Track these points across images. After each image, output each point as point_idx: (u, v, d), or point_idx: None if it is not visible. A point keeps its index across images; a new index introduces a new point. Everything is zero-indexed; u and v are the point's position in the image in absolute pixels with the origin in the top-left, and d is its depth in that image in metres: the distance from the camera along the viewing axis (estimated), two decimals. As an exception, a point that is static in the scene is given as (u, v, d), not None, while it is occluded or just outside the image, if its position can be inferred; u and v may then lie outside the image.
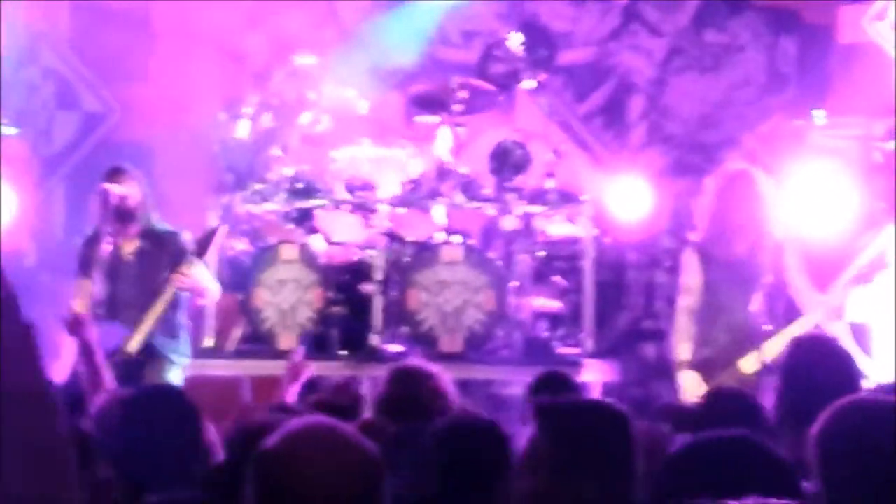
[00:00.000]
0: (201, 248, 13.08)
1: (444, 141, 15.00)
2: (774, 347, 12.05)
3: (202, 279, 13.32)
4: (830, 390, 5.63)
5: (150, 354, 13.00)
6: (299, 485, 4.48)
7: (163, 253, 13.26)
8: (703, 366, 12.67)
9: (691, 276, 13.06)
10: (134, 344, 12.96)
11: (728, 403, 7.59)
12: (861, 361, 9.67)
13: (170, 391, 7.33)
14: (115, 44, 17.27)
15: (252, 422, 7.41)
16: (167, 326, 13.18)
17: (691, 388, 12.43)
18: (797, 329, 12.12)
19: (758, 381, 12.05)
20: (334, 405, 9.01)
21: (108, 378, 10.33)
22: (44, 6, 17.34)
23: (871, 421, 5.05)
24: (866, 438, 4.93)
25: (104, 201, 13.31)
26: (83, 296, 13.16)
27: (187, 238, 13.25)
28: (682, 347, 12.91)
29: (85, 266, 13.39)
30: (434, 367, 9.30)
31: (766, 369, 12.06)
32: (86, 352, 10.60)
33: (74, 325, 11.08)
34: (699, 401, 8.75)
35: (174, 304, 13.18)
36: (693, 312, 12.94)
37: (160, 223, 13.50)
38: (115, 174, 13.47)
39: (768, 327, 12.38)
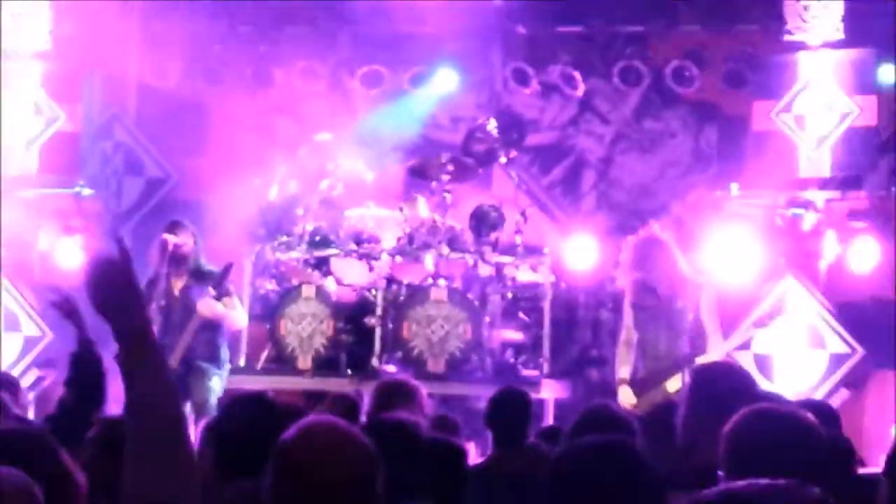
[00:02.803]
0: (217, 284, 13.12)
1: (432, 204, 15.03)
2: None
3: (220, 309, 13.35)
4: (730, 401, 5.65)
5: (191, 368, 13.02)
6: (309, 470, 4.50)
7: (204, 288, 13.28)
8: (636, 384, 12.77)
9: (627, 317, 13.15)
10: (177, 356, 13.01)
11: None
12: (762, 383, 9.72)
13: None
14: (173, 123, 17.27)
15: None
16: (209, 347, 13.19)
17: (626, 400, 12.53)
18: (704, 360, 12.21)
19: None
20: (340, 409, 9.07)
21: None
22: (116, 91, 17.33)
23: (771, 422, 5.07)
24: (767, 437, 4.94)
25: (163, 248, 13.34)
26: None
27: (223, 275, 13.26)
28: (622, 370, 13.00)
29: (146, 300, 13.41)
30: (413, 383, 9.35)
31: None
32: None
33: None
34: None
35: (214, 329, 13.20)
36: (629, 344, 13.03)
37: (207, 265, 13.52)
38: (172, 227, 13.52)
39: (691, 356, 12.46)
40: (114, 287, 3.94)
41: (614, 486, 4.58)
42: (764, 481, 1.97)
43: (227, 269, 13.24)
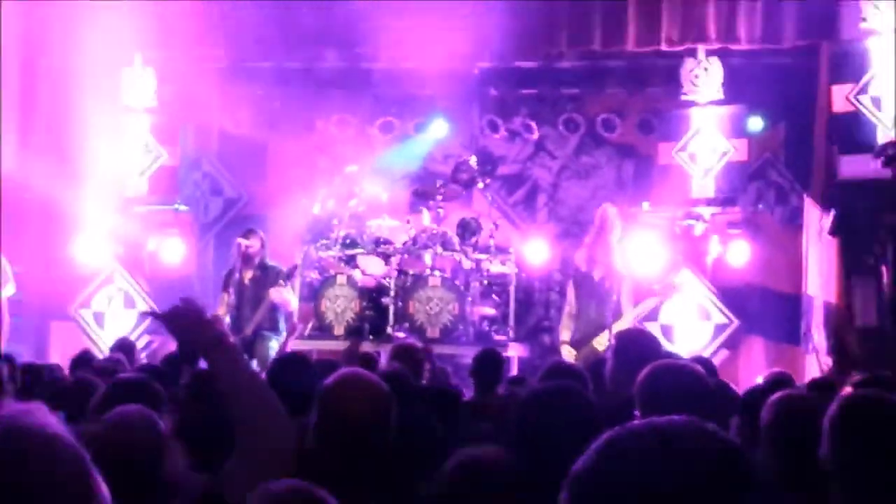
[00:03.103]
0: (286, 278, 13.16)
1: (430, 217, 15.04)
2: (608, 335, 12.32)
3: (286, 296, 13.38)
4: (644, 357, 5.67)
5: (257, 335, 13.03)
6: (343, 405, 4.52)
7: (267, 279, 13.26)
8: (574, 344, 12.79)
9: (570, 294, 13.17)
10: (248, 329, 13.01)
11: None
12: (666, 346, 9.75)
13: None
14: (244, 159, 17.27)
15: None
16: (270, 321, 13.19)
17: (568, 356, 12.55)
18: (622, 325, 12.26)
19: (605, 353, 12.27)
20: (364, 363, 9.09)
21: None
22: (203, 136, 17.34)
23: (671, 373, 5.09)
24: (670, 384, 4.96)
25: (237, 249, 13.38)
26: (223, 302, 13.20)
27: (282, 271, 13.29)
28: (564, 334, 13.01)
29: (225, 286, 13.41)
30: (420, 345, 9.39)
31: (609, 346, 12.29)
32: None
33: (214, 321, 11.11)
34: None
35: (274, 308, 13.21)
36: (570, 315, 13.05)
37: (269, 261, 13.51)
38: (245, 233, 13.54)
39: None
40: (187, 324, 4.01)
41: (567, 419, 4.60)
42: (675, 417, 1.99)
43: (293, 268, 13.35)
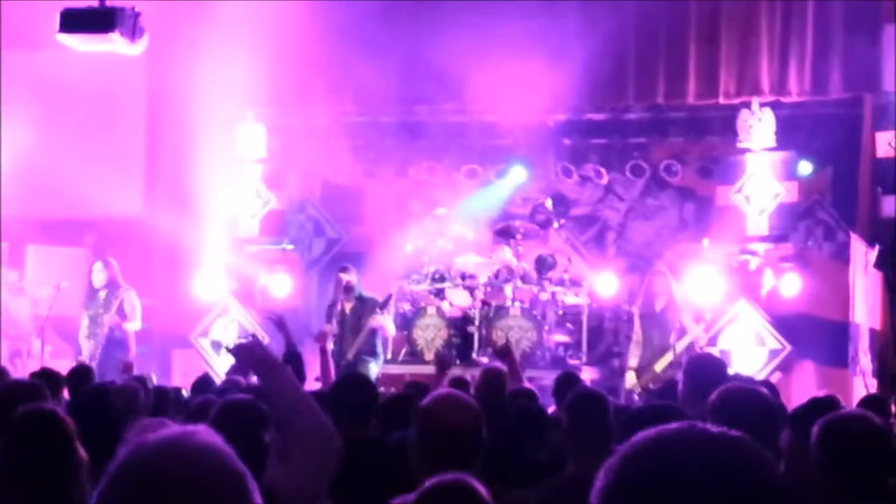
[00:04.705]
0: (384, 306, 13.18)
1: (511, 254, 15.02)
2: (669, 359, 12.49)
3: (384, 323, 13.40)
4: (713, 379, 5.62)
5: (358, 359, 13.04)
6: (441, 423, 4.52)
7: (364, 309, 13.29)
8: (639, 370, 12.81)
9: (636, 324, 13.16)
10: (350, 354, 13.03)
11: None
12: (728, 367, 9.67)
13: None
14: (344, 203, 17.33)
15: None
16: (369, 345, 13.21)
17: (630, 381, 12.56)
18: (681, 346, 12.35)
19: (667, 376, 12.30)
20: (455, 385, 9.07)
21: (332, 371, 10.30)
22: (307, 183, 17.43)
23: (741, 394, 5.03)
24: (739, 404, 4.90)
25: (338, 283, 13.42)
26: (327, 331, 13.19)
27: (378, 301, 13.33)
28: (631, 360, 13.03)
29: (328, 317, 13.46)
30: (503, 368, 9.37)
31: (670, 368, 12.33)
32: (323, 354, 10.65)
33: (320, 338, 11.15)
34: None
35: (372, 334, 13.22)
36: (637, 343, 13.05)
37: (365, 292, 13.55)
38: (343, 269, 13.59)
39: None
40: (251, 356, 4.25)
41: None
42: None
43: (388, 297, 13.38)
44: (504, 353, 10.15)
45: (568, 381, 9.45)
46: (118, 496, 1.96)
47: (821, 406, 5.55)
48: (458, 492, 3.53)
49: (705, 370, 6.47)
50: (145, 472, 1.96)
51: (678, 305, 13.18)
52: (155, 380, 10.35)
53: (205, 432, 2.04)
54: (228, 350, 4.76)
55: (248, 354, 4.32)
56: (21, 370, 12.61)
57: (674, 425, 1.87)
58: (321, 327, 13.21)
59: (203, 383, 9.44)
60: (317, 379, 10.47)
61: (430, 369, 13.73)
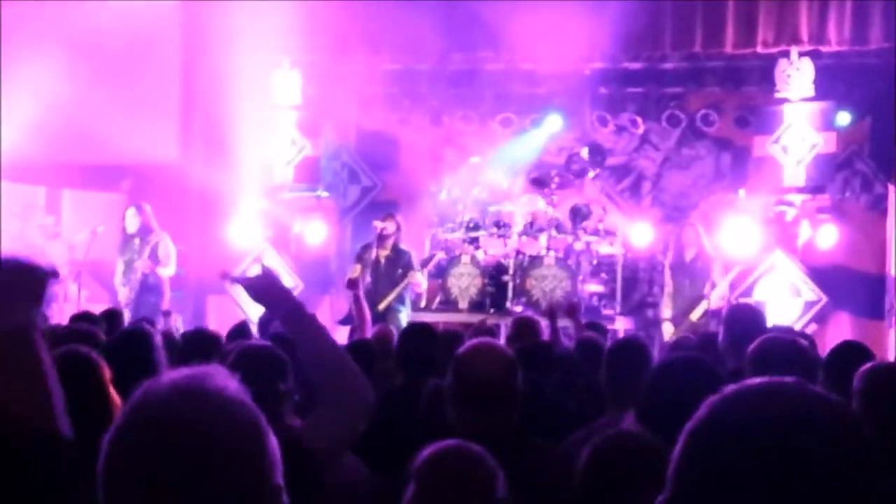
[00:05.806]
0: (424, 264, 13.24)
1: (545, 203, 14.94)
2: (703, 308, 12.79)
3: (420, 280, 13.45)
4: (752, 330, 5.57)
5: (390, 309, 13.07)
6: (475, 370, 4.48)
7: (400, 261, 13.30)
8: (673, 320, 12.82)
9: (667, 275, 13.18)
10: (383, 304, 13.04)
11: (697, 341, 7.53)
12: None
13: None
14: (378, 150, 17.25)
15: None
16: (401, 297, 13.26)
17: (667, 332, 12.55)
18: (716, 296, 12.80)
19: (702, 325, 12.35)
20: (487, 332, 9.06)
21: (368, 316, 10.18)
22: (342, 130, 17.36)
23: (781, 346, 4.98)
24: (778, 353, 4.86)
25: (375, 230, 13.43)
26: (356, 270, 13.06)
27: (412, 255, 13.38)
28: (665, 311, 13.07)
29: (358, 258, 13.49)
30: (539, 318, 9.35)
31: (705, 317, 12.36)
32: (357, 300, 10.39)
33: (352, 284, 11.03)
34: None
35: (405, 287, 13.26)
36: (669, 294, 13.08)
37: (402, 245, 13.55)
38: (384, 217, 13.64)
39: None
40: (266, 291, 3.89)
41: (696, 389, 4.49)
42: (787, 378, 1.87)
43: (432, 256, 13.49)
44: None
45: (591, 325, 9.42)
46: (130, 436, 1.95)
47: (853, 351, 5.50)
48: (459, 457, 3.41)
49: (745, 321, 6.42)
50: (157, 413, 1.94)
51: (709, 256, 13.22)
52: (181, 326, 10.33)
53: (220, 375, 2.00)
54: (239, 282, 4.31)
55: (270, 293, 3.89)
56: (58, 315, 12.63)
57: (774, 379, 1.83)
58: (349, 272, 13.17)
59: (240, 330, 9.38)
60: (340, 322, 10.39)
61: (464, 318, 13.76)
